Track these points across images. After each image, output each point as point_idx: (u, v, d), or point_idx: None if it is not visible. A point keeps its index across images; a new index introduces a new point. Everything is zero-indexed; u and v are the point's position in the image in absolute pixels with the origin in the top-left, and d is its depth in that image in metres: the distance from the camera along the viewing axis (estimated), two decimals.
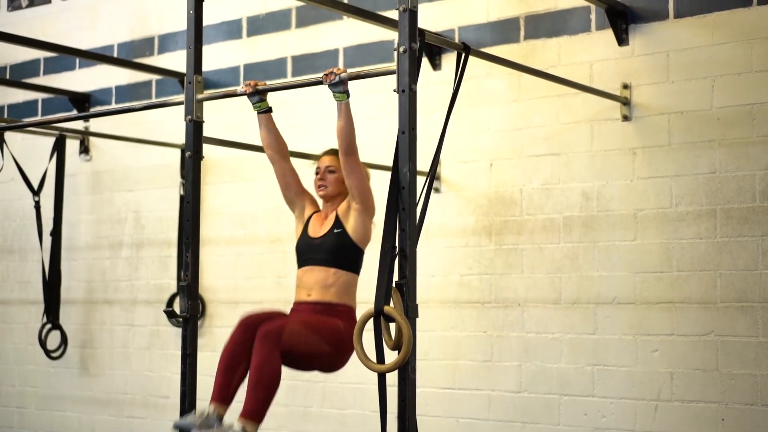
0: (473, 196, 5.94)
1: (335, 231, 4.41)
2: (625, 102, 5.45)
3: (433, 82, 6.05)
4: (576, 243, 5.57)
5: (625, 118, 5.45)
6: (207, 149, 7.00)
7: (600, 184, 5.52)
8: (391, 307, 3.64)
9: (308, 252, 4.47)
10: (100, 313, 7.64)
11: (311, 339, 4.25)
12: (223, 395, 4.17)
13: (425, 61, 6.08)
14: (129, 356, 7.46)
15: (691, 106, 5.28)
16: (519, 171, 5.79)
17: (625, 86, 5.46)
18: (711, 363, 5.13)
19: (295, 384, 6.36)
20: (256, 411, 4.06)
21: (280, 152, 4.53)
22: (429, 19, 6.10)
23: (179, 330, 4.71)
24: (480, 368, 5.84)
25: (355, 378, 5.90)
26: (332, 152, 4.57)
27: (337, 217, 4.44)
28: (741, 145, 5.12)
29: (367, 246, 4.42)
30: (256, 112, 4.44)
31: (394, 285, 3.70)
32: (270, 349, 4.11)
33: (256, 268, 6.81)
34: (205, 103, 7.03)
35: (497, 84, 5.90)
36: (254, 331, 4.18)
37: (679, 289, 5.24)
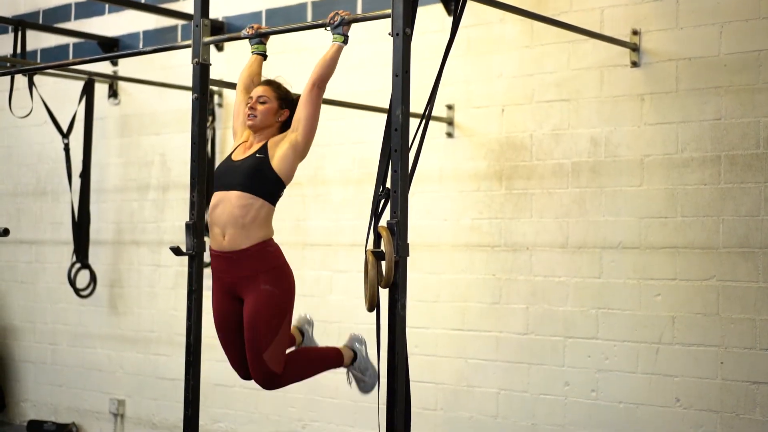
0: (485, 141, 6.00)
1: (257, 155, 4.35)
2: (635, 48, 5.45)
3: (448, 27, 6.06)
4: (584, 188, 5.62)
5: (634, 64, 5.46)
6: (229, 93, 7.20)
7: (608, 130, 5.55)
8: (370, 249, 3.81)
9: (225, 175, 4.40)
10: (128, 253, 7.84)
11: (280, 326, 4.43)
12: None
13: (440, 6, 6.13)
14: (155, 295, 7.66)
15: (699, 53, 5.27)
16: (530, 116, 5.83)
17: (635, 32, 5.45)
18: (712, 307, 5.19)
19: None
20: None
21: (246, 87, 4.61)
22: None
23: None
24: (489, 310, 5.94)
25: (370, 318, 6.00)
26: (267, 83, 4.54)
27: (264, 145, 4.39)
28: (747, 92, 5.12)
29: (288, 183, 4.38)
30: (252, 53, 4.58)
31: (385, 225, 3.82)
32: (283, 380, 4.52)
33: (275, 211, 6.90)
34: (228, 50, 7.25)
35: (510, 29, 5.93)
36: None
37: (683, 234, 5.28)
